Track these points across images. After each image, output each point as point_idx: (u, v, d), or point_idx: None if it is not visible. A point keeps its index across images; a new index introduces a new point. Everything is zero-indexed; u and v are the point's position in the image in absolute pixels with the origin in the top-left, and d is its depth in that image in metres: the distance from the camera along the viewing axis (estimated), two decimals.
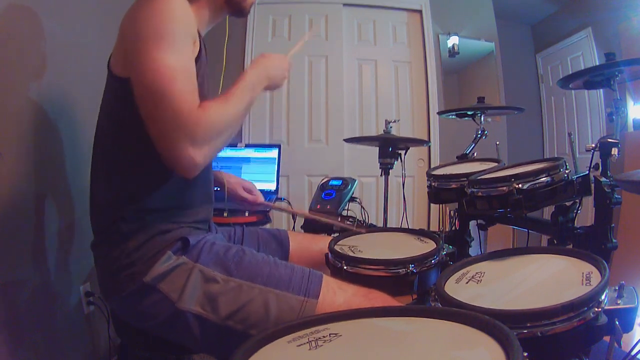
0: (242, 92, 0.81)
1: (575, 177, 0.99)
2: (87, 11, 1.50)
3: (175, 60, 0.71)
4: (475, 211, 1.07)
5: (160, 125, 0.70)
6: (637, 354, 0.69)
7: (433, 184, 1.35)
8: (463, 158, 1.60)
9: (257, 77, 0.87)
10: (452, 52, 3.05)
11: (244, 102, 0.80)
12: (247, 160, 2.11)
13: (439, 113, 2.04)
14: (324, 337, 0.57)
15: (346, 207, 1.66)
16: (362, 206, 1.75)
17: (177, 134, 0.68)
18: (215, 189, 1.12)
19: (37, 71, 1.24)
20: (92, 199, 0.88)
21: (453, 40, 3.04)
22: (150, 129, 0.71)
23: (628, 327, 0.62)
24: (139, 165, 0.81)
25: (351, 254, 0.98)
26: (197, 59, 0.83)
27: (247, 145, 2.17)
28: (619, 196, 1.03)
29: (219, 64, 2.84)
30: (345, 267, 0.92)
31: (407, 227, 1.34)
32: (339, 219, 1.56)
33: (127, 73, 0.76)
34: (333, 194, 1.67)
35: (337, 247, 1.03)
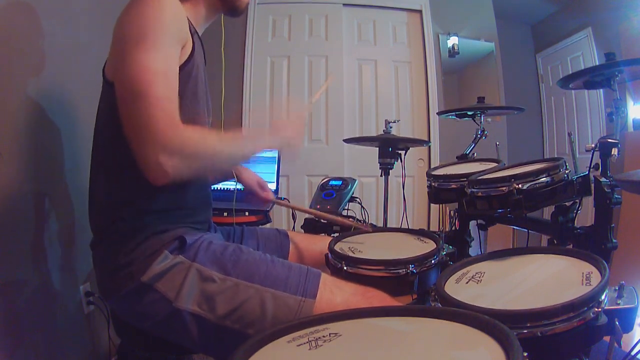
0: (243, 138, 0.84)
1: (575, 177, 0.99)
2: (87, 10, 1.50)
3: (157, 63, 0.71)
4: (475, 211, 1.07)
5: (135, 128, 0.69)
6: (637, 354, 0.69)
7: (433, 184, 1.35)
8: (463, 158, 1.60)
9: (268, 134, 0.90)
10: (452, 52, 3.05)
11: (239, 147, 0.83)
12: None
13: (439, 113, 2.04)
14: (323, 336, 0.57)
15: (346, 207, 1.66)
16: (362, 206, 1.75)
17: (150, 138, 0.67)
18: (223, 188, 1.12)
19: (36, 70, 1.24)
20: (91, 199, 0.88)
21: (453, 40, 3.04)
22: (126, 130, 0.71)
23: (628, 327, 0.62)
24: (136, 167, 0.81)
25: (351, 254, 0.98)
26: (190, 58, 0.83)
27: None
28: (619, 196, 1.03)
29: (218, 64, 2.84)
30: (345, 268, 0.92)
31: (407, 227, 1.34)
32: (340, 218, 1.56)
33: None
34: (333, 194, 1.67)
35: (337, 248, 1.03)
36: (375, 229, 1.37)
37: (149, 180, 0.70)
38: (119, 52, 0.73)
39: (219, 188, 1.83)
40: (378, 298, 0.78)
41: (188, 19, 0.86)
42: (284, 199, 2.04)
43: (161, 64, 0.71)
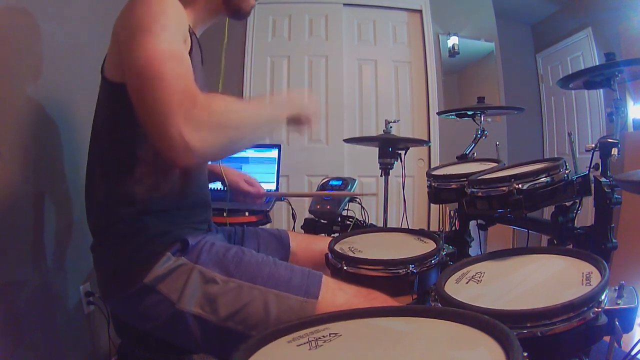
0: (264, 104, 0.79)
1: (575, 177, 0.99)
2: (86, 12, 1.50)
3: (168, 44, 0.68)
4: (475, 211, 1.07)
5: (152, 110, 0.63)
6: (637, 354, 0.69)
7: (433, 184, 1.34)
8: (463, 158, 1.60)
9: (287, 99, 0.86)
10: (452, 52, 3.05)
11: (263, 112, 0.78)
12: (247, 160, 2.11)
13: (439, 113, 2.03)
14: (323, 336, 0.57)
15: (346, 207, 1.66)
16: (362, 206, 1.75)
17: (171, 115, 0.61)
18: (220, 188, 1.11)
19: (35, 71, 1.24)
20: (89, 201, 0.88)
21: (453, 40, 3.04)
22: (142, 115, 0.66)
23: (628, 327, 0.62)
24: (135, 168, 0.81)
25: (351, 254, 0.98)
26: (189, 56, 0.82)
27: None
28: (619, 196, 1.03)
29: (219, 65, 2.84)
30: (345, 268, 0.92)
31: (407, 227, 1.34)
32: (340, 215, 1.56)
33: (118, 78, 0.76)
34: None
35: (337, 248, 1.03)
36: (375, 228, 1.37)
37: (176, 164, 0.65)
38: (126, 47, 0.71)
39: (218, 188, 1.83)
40: (380, 300, 0.78)
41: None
42: (284, 199, 2.04)
43: (172, 44, 0.69)
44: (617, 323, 0.61)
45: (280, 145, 2.13)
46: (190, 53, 0.83)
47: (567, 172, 0.95)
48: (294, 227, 1.90)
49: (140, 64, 0.66)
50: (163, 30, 0.70)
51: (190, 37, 0.85)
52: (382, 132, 1.65)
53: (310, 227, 1.66)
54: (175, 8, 0.76)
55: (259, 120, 0.77)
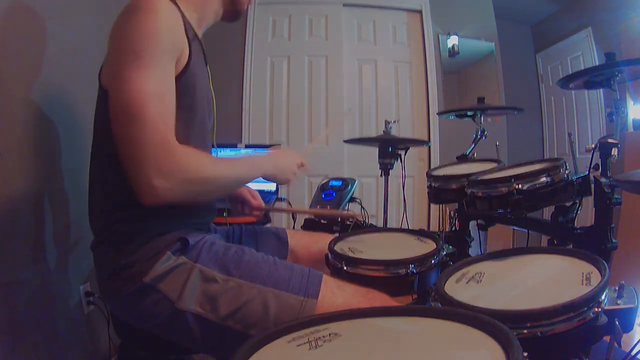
0: (239, 162, 0.85)
1: (575, 177, 0.99)
2: (87, 11, 1.50)
3: (152, 84, 0.71)
4: (475, 211, 1.07)
5: (129, 149, 0.70)
6: (637, 354, 0.69)
7: (433, 184, 1.35)
8: (463, 158, 1.60)
9: (264, 160, 0.92)
10: (452, 52, 3.05)
11: (235, 171, 0.84)
12: None
13: (439, 113, 2.04)
14: (323, 336, 0.57)
15: (346, 208, 1.66)
16: (362, 206, 1.75)
17: (144, 161, 0.68)
18: None
19: (36, 70, 1.24)
20: (91, 201, 0.88)
21: (453, 40, 3.04)
22: (120, 148, 0.71)
23: (628, 327, 0.62)
24: None
25: (351, 254, 0.98)
26: (185, 69, 0.81)
27: (247, 146, 2.17)
28: (619, 196, 1.03)
29: (215, 64, 2.84)
30: (345, 268, 0.92)
31: (407, 227, 1.34)
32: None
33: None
34: (333, 194, 1.67)
35: (336, 248, 1.03)
36: (374, 228, 1.37)
37: (141, 201, 0.70)
38: (114, 65, 0.73)
39: None
40: (379, 299, 0.78)
41: (190, 22, 0.86)
42: (284, 199, 2.04)
43: (156, 84, 0.71)
44: (617, 323, 0.61)
45: (280, 145, 2.13)
46: (188, 64, 0.81)
47: (567, 172, 0.96)
48: (293, 227, 1.90)
49: (123, 101, 0.70)
50: (151, 63, 0.71)
51: (192, 41, 0.83)
52: (382, 132, 1.65)
53: (311, 227, 1.66)
54: (169, 20, 0.76)
55: (229, 179, 0.84)
